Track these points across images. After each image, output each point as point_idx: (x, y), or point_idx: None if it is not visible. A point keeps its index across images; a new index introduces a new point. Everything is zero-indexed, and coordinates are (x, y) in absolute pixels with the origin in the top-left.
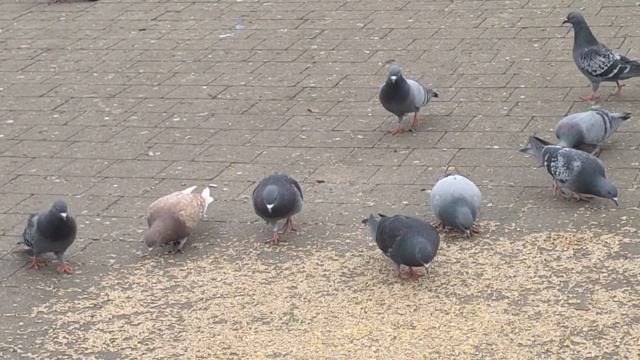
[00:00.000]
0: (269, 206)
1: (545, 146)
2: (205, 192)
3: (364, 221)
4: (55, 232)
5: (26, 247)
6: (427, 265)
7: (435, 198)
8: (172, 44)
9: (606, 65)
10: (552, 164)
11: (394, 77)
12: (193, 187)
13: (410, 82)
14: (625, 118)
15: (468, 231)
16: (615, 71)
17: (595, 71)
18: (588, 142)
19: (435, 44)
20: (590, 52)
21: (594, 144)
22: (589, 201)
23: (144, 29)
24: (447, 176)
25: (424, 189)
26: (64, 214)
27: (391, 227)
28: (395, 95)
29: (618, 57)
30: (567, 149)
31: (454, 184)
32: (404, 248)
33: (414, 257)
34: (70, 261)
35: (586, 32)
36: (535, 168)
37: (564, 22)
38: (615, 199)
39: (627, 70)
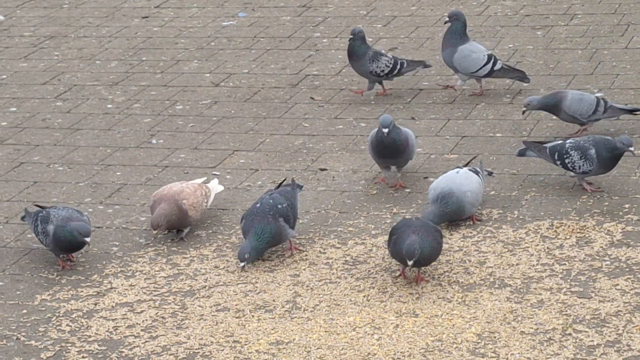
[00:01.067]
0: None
1: (548, 145)
2: (214, 182)
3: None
4: (73, 248)
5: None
6: (410, 263)
7: (430, 193)
8: (174, 31)
9: (391, 64)
10: (567, 160)
11: (385, 130)
12: (203, 179)
13: (405, 130)
14: (633, 112)
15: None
16: (398, 67)
17: (383, 71)
18: (567, 111)
19: (438, 31)
20: (375, 55)
21: (575, 122)
22: (592, 188)
23: (146, 17)
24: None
25: (426, 177)
26: (87, 239)
27: (393, 227)
28: (389, 150)
29: (391, 56)
30: (572, 140)
31: (452, 179)
32: (396, 246)
33: (401, 254)
34: None
35: (365, 42)
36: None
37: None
38: (632, 148)
39: (405, 65)
